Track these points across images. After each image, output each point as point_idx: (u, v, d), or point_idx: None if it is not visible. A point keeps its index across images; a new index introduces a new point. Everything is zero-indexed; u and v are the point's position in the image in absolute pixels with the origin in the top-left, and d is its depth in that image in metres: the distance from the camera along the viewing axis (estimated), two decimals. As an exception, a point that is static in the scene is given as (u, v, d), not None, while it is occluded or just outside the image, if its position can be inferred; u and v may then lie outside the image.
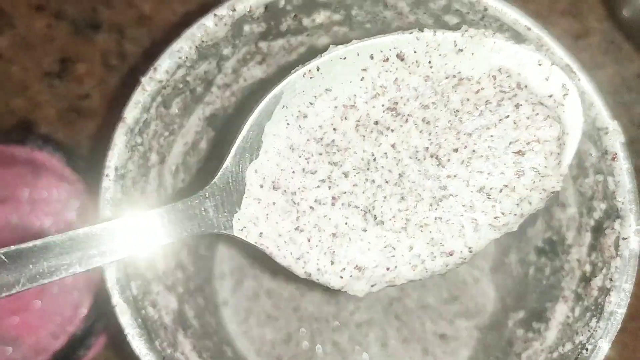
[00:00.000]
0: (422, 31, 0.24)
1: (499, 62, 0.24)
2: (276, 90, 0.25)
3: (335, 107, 0.24)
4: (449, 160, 0.24)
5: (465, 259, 0.25)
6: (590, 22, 0.50)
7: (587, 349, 0.25)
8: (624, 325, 0.43)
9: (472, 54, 0.24)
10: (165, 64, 0.27)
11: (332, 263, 0.24)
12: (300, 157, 0.25)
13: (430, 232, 0.25)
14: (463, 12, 0.29)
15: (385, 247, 0.25)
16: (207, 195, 0.25)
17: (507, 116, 0.24)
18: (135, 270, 0.26)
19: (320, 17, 0.30)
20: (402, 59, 0.24)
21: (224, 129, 0.34)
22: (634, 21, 0.47)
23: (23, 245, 0.22)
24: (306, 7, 0.29)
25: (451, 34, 0.24)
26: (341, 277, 0.25)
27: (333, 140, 0.24)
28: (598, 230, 0.27)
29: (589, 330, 0.25)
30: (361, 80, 0.24)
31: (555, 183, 0.24)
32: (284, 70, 0.32)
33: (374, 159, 0.24)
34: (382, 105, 0.24)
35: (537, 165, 0.24)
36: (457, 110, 0.24)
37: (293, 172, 0.25)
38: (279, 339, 0.37)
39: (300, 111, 0.25)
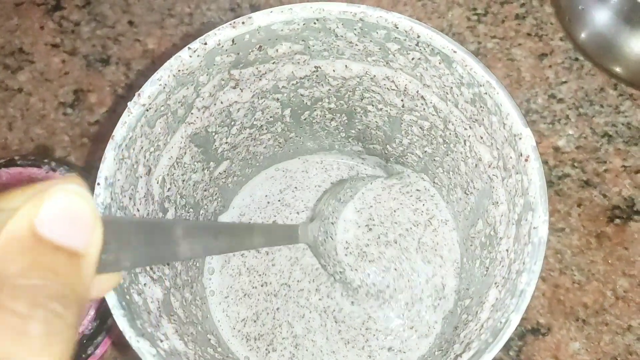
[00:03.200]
0: None
1: None
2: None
3: None
4: None
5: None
6: (555, 41, 0.54)
7: (501, 322, 0.28)
8: (588, 320, 0.47)
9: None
10: (147, 90, 0.32)
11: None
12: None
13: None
14: (401, 39, 0.33)
15: None
16: None
17: None
18: (122, 263, 0.31)
19: (283, 47, 0.35)
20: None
21: (206, 145, 0.39)
22: (590, 42, 0.52)
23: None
24: (269, 40, 0.34)
25: None
26: None
27: None
28: (519, 222, 0.31)
29: (504, 307, 0.29)
30: None
31: None
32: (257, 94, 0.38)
33: None
34: None
35: None
36: None
37: None
38: (249, 318, 0.43)
39: None
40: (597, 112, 0.52)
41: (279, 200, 0.46)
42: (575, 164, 0.51)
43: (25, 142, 0.53)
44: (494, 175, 0.34)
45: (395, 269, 0.40)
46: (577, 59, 0.53)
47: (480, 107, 0.33)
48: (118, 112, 0.55)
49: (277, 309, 0.42)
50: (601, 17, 0.49)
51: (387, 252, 0.40)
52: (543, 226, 0.29)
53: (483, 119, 0.33)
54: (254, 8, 0.57)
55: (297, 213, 0.46)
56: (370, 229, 0.40)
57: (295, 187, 0.46)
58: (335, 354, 0.42)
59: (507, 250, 0.32)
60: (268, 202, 0.46)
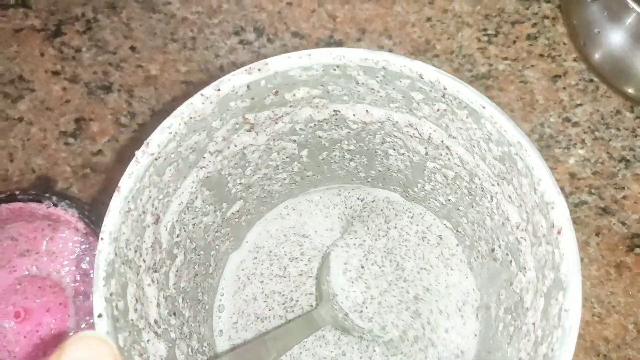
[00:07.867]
0: None
1: None
2: None
3: None
4: None
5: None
6: (568, 62, 0.52)
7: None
8: (610, 355, 0.45)
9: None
10: (157, 138, 0.30)
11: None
12: None
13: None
14: (426, 89, 0.32)
15: None
16: None
17: None
18: (125, 323, 0.29)
19: (300, 92, 0.33)
20: None
21: (219, 187, 0.37)
22: (605, 64, 0.50)
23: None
24: (286, 85, 0.32)
25: None
26: None
27: None
28: (548, 297, 0.29)
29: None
30: None
31: None
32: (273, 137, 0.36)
33: None
34: None
35: None
36: None
37: None
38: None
39: None
40: (613, 136, 0.50)
41: (295, 233, 0.44)
42: (593, 191, 0.49)
43: (27, 173, 0.51)
44: (522, 237, 0.32)
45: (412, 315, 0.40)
46: (591, 80, 0.51)
47: (510, 166, 0.31)
48: (120, 141, 0.53)
49: None
50: (616, 39, 0.47)
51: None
52: (575, 310, 0.27)
53: (512, 179, 0.31)
54: (258, 31, 0.55)
55: (318, 247, 0.44)
56: (368, 287, 0.40)
57: (313, 220, 0.45)
58: None
59: (533, 324, 0.30)
60: (285, 235, 0.44)
